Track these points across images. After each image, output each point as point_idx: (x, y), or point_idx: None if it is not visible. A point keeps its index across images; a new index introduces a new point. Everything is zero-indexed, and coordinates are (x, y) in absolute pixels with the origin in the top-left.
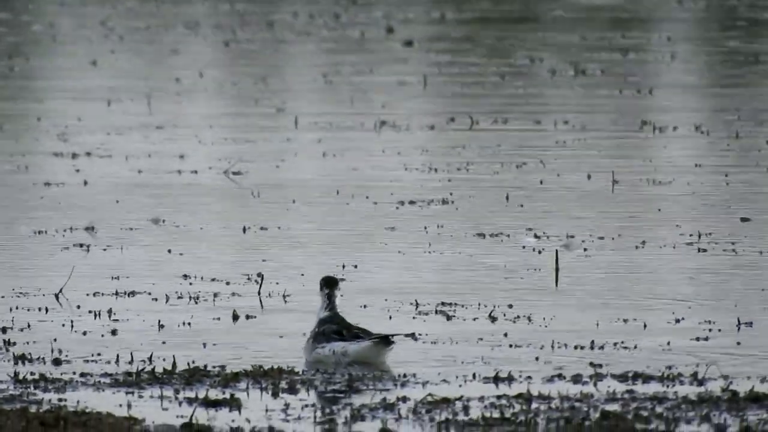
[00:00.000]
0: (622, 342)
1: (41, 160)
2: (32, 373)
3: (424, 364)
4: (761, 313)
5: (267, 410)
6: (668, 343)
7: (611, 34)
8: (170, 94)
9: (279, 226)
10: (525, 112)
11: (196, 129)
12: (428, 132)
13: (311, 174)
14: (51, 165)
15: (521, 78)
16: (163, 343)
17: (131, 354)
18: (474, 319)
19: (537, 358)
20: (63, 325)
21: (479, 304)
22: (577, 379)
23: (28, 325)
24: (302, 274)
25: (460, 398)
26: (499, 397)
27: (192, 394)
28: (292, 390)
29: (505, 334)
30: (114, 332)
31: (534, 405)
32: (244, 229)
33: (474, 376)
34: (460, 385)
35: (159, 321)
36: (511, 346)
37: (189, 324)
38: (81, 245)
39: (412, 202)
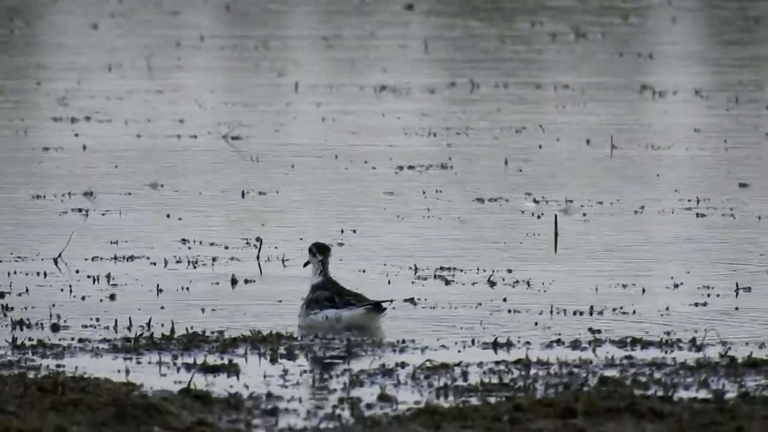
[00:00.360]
0: (621, 307)
1: (40, 124)
2: (30, 339)
3: (423, 329)
4: (760, 278)
5: (265, 376)
6: (667, 309)
7: None
8: (170, 58)
9: (278, 191)
10: (525, 77)
11: (196, 93)
12: (428, 96)
13: (310, 139)
14: (50, 129)
15: (522, 42)
16: (162, 308)
17: (130, 319)
18: (473, 284)
19: (536, 324)
20: (62, 290)
21: (478, 269)
22: (575, 344)
23: (27, 290)
24: (301, 239)
25: (458, 364)
26: (497, 363)
27: (190, 360)
28: (290, 356)
29: (504, 299)
30: (113, 297)
31: (533, 371)
32: (243, 194)
33: (473, 341)
34: (459, 351)
35: (158, 286)
36: (509, 311)
37: (187, 289)
38: (80, 210)
39: (411, 167)
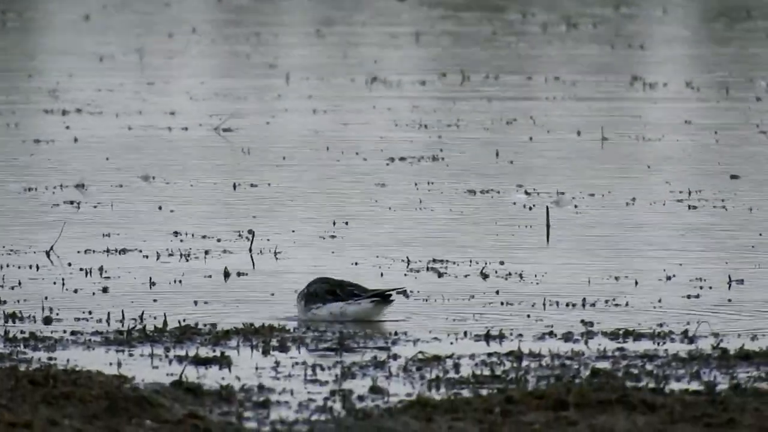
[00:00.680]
0: (613, 299)
1: (32, 116)
2: (22, 332)
3: (415, 321)
4: (751, 270)
5: (257, 368)
6: (659, 301)
7: None
8: (162, 50)
9: (269, 183)
10: (516, 68)
11: (188, 85)
12: (419, 88)
13: (302, 130)
14: (42, 122)
15: (513, 33)
16: (154, 300)
17: (122, 312)
18: (465, 276)
19: (528, 316)
20: (54, 282)
21: (470, 261)
22: (567, 336)
23: (19, 283)
24: (293, 231)
25: (450, 356)
26: (489, 355)
27: (182, 352)
28: (282, 348)
29: (497, 292)
30: (105, 290)
31: (525, 363)
32: (235, 186)
33: (465, 333)
34: (451, 343)
35: (150, 278)
36: (502, 303)
37: (180, 281)
38: (71, 202)
39: (402, 159)
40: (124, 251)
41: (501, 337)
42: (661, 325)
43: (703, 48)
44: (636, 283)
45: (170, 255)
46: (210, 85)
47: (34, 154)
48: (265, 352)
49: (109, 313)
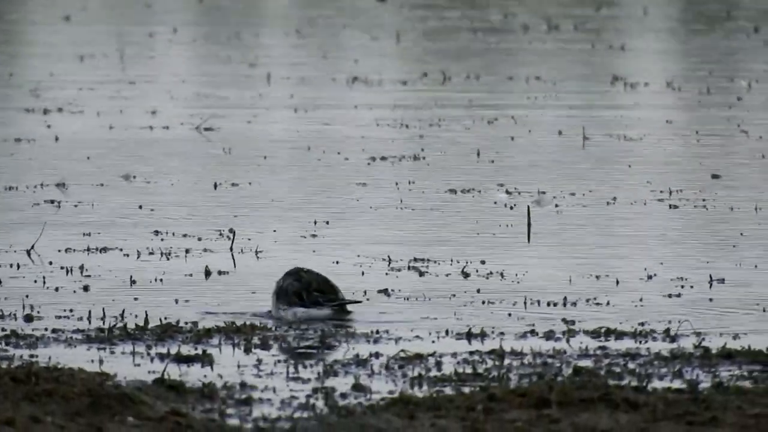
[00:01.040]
0: (595, 298)
1: (12, 115)
2: (3, 330)
3: (397, 320)
4: (733, 269)
5: (239, 366)
6: (641, 300)
7: None
8: (143, 49)
9: (250, 182)
10: (497, 68)
11: (169, 84)
12: (400, 88)
13: (283, 130)
14: (22, 120)
15: (494, 34)
16: (135, 299)
17: (103, 310)
18: (446, 275)
19: (510, 314)
20: (35, 281)
21: (452, 260)
22: (549, 335)
23: (0, 282)
24: (274, 230)
25: (432, 354)
26: (471, 353)
27: (164, 350)
28: (264, 346)
29: (478, 290)
30: (86, 288)
31: (506, 361)
32: (216, 185)
33: (447, 332)
34: (433, 341)
35: (131, 277)
36: (483, 302)
37: (161, 280)
38: (52, 201)
39: (383, 158)
40: (104, 250)
41: (483, 335)
42: (642, 324)
43: (684, 48)
44: (617, 282)
45: (151, 254)
46: (191, 84)
47: (14, 153)
48: (247, 350)
49: (90, 311)
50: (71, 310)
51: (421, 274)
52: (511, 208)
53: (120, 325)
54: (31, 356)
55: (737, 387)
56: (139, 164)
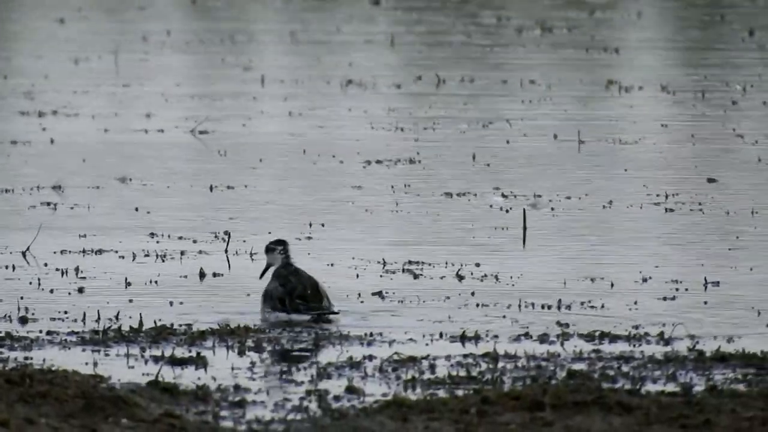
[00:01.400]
0: (589, 301)
1: (7, 118)
2: None
3: (391, 322)
4: (728, 272)
5: (233, 368)
6: (635, 303)
7: None
8: (137, 52)
9: (245, 185)
10: (491, 72)
11: (163, 87)
12: (395, 91)
13: (278, 133)
14: (17, 123)
15: (488, 37)
16: (130, 301)
17: (98, 312)
18: (441, 278)
19: (504, 317)
20: (30, 283)
21: (446, 263)
22: (543, 338)
23: None
24: (269, 233)
25: (426, 357)
26: (465, 356)
27: (158, 353)
28: (258, 348)
29: (473, 293)
30: (81, 290)
31: (500, 364)
32: (211, 188)
33: (441, 335)
34: (427, 344)
35: (126, 279)
36: (478, 305)
37: (156, 282)
38: (48, 204)
39: (378, 161)
40: (100, 252)
41: (477, 338)
42: (637, 327)
43: (679, 52)
44: (612, 285)
45: (146, 256)
46: (185, 87)
47: (10, 156)
48: (241, 353)
49: (85, 314)
50: (66, 312)
51: (416, 276)
52: (507, 211)
53: (114, 327)
54: (26, 358)
55: (731, 390)
56: (134, 167)
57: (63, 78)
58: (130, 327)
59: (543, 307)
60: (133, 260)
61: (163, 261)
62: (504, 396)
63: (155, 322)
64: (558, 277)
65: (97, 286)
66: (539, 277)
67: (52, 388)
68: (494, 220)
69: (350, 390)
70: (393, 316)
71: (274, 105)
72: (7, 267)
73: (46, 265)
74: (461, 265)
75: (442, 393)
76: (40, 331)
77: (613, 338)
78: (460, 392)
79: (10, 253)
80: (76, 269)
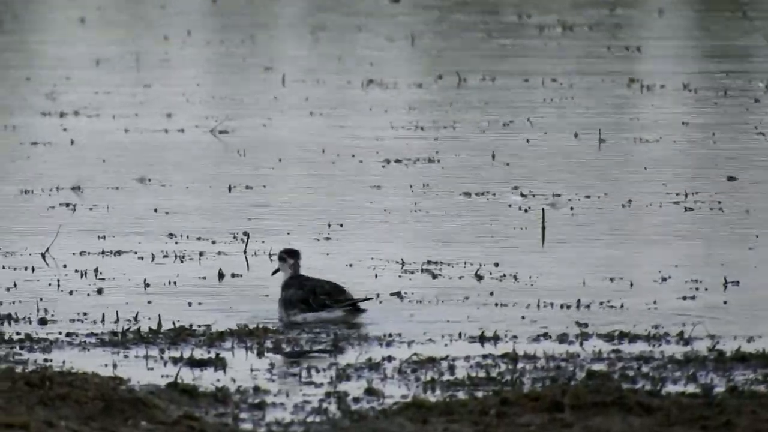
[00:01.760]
0: (609, 301)
1: (29, 119)
2: (18, 333)
3: (410, 323)
4: (748, 272)
5: (252, 370)
6: (654, 303)
7: None
8: (158, 52)
9: (265, 185)
10: (513, 70)
11: (184, 87)
12: (415, 90)
13: (298, 132)
14: (38, 124)
15: (509, 35)
16: (149, 302)
17: (117, 313)
18: (460, 278)
19: (523, 317)
20: (49, 284)
21: (465, 263)
22: (563, 338)
23: (14, 285)
24: (288, 233)
25: (445, 358)
26: (484, 357)
27: (177, 354)
28: (277, 350)
29: (491, 293)
30: (100, 291)
31: (520, 365)
32: (230, 188)
33: (460, 335)
34: (446, 345)
35: (145, 280)
36: (497, 305)
37: (175, 283)
38: (67, 204)
39: (398, 161)
40: (119, 253)
41: (496, 338)
42: (656, 327)
43: (700, 50)
44: (631, 284)
45: (165, 256)
46: (206, 87)
47: (30, 157)
48: (260, 354)
49: (104, 315)
50: (85, 314)
51: (435, 276)
52: (526, 210)
53: (134, 328)
54: (45, 360)
55: (752, 391)
56: (154, 167)
57: (84, 78)
58: (149, 328)
59: (562, 306)
60: (152, 261)
61: (182, 262)
62: (523, 397)
63: (174, 324)
64: (577, 277)
65: (116, 287)
66: (558, 276)
67: (71, 390)
68: (513, 220)
69: (369, 392)
70: (412, 316)
71: (294, 105)
72: (26, 268)
73: (65, 266)
74: (480, 265)
75: (461, 394)
76: (60, 333)
77: (633, 338)
78: (479, 393)
79: (30, 254)
80: (96, 270)
